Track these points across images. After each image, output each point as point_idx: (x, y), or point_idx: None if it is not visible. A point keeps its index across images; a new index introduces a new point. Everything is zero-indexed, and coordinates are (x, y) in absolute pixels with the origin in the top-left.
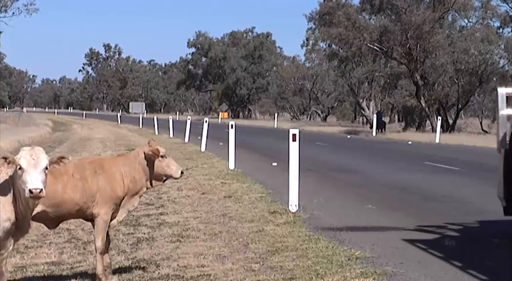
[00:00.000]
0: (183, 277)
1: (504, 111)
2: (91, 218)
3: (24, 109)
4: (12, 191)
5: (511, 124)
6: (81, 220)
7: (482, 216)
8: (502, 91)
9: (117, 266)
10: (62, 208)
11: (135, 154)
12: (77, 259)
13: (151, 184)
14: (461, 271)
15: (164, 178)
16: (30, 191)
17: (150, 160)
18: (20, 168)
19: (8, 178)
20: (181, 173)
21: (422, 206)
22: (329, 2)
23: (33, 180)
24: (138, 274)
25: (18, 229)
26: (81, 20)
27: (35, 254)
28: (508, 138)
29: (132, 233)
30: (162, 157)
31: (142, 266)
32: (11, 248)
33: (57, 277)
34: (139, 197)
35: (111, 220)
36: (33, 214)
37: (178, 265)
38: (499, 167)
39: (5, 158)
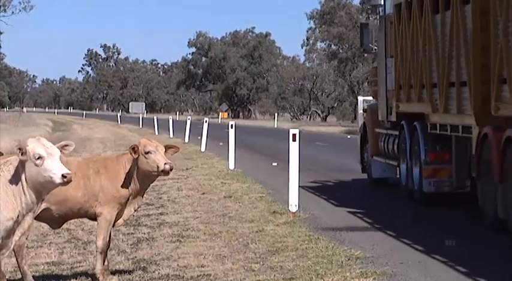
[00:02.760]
0: (183, 277)
1: (361, 110)
2: (95, 218)
3: (24, 109)
4: (13, 190)
5: (363, 118)
6: (81, 220)
7: None
8: (360, 98)
9: (117, 266)
10: (65, 206)
11: None
12: (77, 259)
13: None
14: (461, 271)
15: (155, 174)
16: (64, 176)
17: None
18: (39, 157)
19: (8, 175)
20: (165, 164)
21: (422, 206)
22: (330, 2)
23: (60, 166)
24: (138, 274)
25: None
26: (82, 19)
27: (35, 254)
28: (361, 128)
29: (132, 233)
30: (147, 153)
31: (142, 266)
32: (11, 247)
33: (57, 277)
34: (142, 196)
35: (116, 219)
36: (38, 212)
37: (178, 265)
38: (358, 144)
39: (20, 149)
